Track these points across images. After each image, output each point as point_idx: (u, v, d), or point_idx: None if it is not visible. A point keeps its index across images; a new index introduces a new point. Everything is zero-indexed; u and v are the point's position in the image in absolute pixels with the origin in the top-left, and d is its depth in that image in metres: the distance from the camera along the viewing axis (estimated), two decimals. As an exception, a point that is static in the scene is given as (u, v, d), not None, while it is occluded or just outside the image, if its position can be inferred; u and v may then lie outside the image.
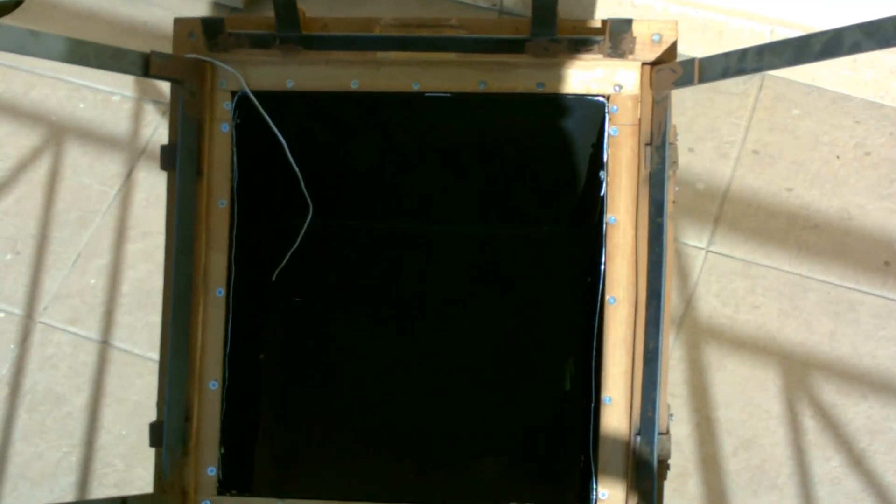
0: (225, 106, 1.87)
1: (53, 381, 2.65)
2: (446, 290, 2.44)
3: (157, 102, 3.08)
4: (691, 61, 1.72)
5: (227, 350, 1.85)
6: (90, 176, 2.98)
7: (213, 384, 1.84)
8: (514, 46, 1.84)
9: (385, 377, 2.39)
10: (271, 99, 1.88)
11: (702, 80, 1.72)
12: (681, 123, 2.93)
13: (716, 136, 2.93)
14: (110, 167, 2.99)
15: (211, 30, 1.86)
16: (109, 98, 3.11)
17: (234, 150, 1.88)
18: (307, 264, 2.22)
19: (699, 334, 2.64)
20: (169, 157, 1.86)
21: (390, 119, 2.11)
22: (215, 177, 1.87)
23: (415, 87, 1.87)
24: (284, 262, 2.17)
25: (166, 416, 1.81)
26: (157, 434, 1.82)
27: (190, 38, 1.87)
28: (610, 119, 1.83)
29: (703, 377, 2.58)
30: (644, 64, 1.82)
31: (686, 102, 2.97)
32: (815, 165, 2.87)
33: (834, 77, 2.97)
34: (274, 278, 2.21)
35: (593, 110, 1.88)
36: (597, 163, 1.93)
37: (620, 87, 1.83)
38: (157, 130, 3.03)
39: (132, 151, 3.01)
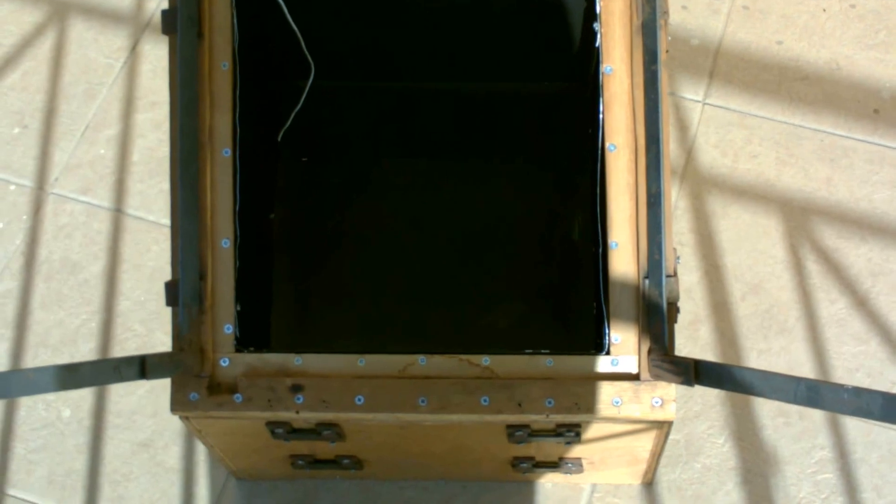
0: (224, -32, 1.88)
1: (68, 250, 2.69)
2: (451, 144, 2.47)
3: (160, -23, 3.09)
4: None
5: (237, 208, 1.88)
6: (95, 49, 2.99)
7: (225, 242, 1.86)
8: None
9: (397, 230, 2.43)
10: (269, -40, 1.90)
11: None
12: (674, -19, 2.93)
13: (708, -8, 2.95)
14: (115, 41, 3.00)
15: None
16: (111, -28, 3.11)
17: (234, 12, 1.89)
18: (312, 125, 2.25)
19: (701, 184, 2.67)
20: (169, 21, 1.87)
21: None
22: (216, 39, 1.88)
23: (409, -55, 1.88)
24: (289, 122, 2.19)
25: (181, 275, 1.83)
26: (173, 293, 1.84)
27: None
28: None
29: (707, 225, 2.61)
30: (632, -86, 1.84)
31: (678, -40, 2.98)
32: (803, 19, 2.90)
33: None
34: (280, 139, 2.24)
35: (584, -38, 1.90)
36: (591, 15, 1.95)
37: (610, -64, 1.85)
38: (161, 3, 3.03)
39: (136, 25, 3.02)
